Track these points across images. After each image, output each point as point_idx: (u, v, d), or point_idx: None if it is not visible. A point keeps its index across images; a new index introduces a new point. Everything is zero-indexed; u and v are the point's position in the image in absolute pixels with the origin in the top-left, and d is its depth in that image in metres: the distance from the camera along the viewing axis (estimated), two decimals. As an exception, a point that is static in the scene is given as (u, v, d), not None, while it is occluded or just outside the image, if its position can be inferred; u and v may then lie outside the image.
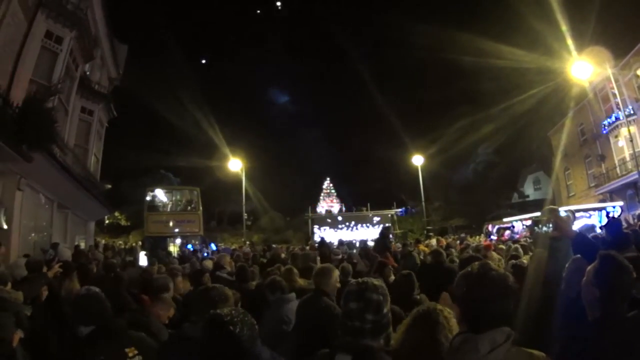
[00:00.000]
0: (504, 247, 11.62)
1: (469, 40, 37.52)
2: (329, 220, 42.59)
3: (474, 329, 1.90)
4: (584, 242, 3.77)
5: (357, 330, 2.24)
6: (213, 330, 2.32)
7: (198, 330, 2.48)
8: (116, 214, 40.91)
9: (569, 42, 23.18)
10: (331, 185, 61.02)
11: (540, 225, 5.37)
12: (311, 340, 4.20)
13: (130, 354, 3.25)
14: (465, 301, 2.01)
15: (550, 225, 5.07)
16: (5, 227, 11.03)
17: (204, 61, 69.50)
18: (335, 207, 56.45)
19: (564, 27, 23.54)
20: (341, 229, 40.04)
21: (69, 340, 4.40)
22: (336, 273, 4.90)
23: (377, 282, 2.41)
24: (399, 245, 15.15)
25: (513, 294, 1.99)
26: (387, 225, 35.10)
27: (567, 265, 3.79)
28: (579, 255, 3.64)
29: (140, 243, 25.92)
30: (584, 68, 22.81)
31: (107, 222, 39.64)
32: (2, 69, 11.82)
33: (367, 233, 34.78)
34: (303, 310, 4.69)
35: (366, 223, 40.45)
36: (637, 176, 21.85)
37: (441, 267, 7.42)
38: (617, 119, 28.25)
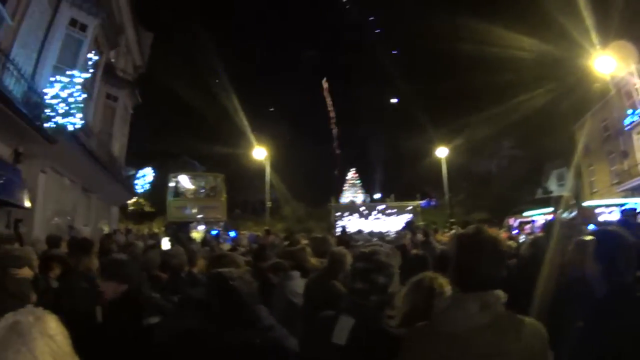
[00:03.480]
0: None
1: (493, 33, 36.68)
2: (351, 211, 42.40)
3: (464, 289, 1.90)
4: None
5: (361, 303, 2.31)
6: (213, 284, 2.49)
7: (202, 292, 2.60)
8: (140, 200, 41.47)
9: (593, 36, 22.75)
10: (356, 175, 60.58)
11: (565, 212, 5.31)
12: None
13: None
14: (456, 261, 1.98)
15: (572, 213, 5.11)
16: (28, 205, 11.20)
17: (233, 48, 69.16)
18: (359, 198, 56.07)
19: (589, 21, 23.03)
20: (364, 219, 39.82)
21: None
22: (349, 256, 5.02)
23: (385, 259, 2.39)
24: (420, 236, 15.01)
25: (504, 259, 1.97)
26: (412, 218, 34.93)
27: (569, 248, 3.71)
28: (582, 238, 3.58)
29: (163, 229, 26.33)
30: (607, 62, 22.42)
31: (130, 208, 40.06)
32: (27, 55, 12.14)
33: (390, 224, 34.42)
34: (310, 287, 4.82)
35: (389, 214, 40.21)
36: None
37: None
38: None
